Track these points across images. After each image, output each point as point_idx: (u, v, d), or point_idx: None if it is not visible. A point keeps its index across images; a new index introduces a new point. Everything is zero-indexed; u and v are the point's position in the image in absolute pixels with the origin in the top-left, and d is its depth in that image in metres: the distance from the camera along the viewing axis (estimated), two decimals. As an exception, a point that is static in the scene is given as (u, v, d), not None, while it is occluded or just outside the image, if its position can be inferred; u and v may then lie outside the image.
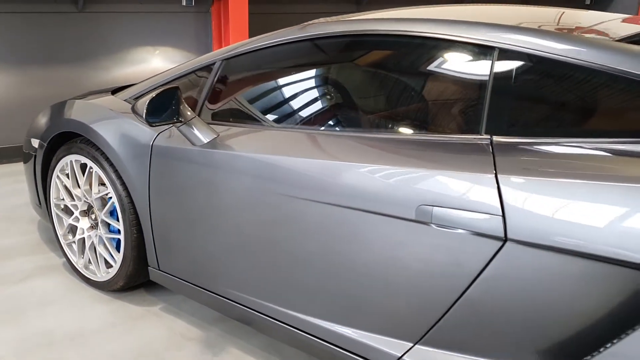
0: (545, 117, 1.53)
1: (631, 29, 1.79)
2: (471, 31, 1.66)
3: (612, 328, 1.30)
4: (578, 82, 1.49)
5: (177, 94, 1.96)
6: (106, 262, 2.54)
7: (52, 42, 4.56)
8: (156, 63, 4.99)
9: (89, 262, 2.62)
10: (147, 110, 1.87)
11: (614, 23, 1.95)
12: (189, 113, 1.99)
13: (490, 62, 1.60)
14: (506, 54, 1.58)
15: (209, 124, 2.05)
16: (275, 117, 2.03)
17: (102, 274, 2.55)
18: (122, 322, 2.37)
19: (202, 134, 1.98)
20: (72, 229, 2.69)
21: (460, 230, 1.46)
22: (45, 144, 2.65)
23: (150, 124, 1.90)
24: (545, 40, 1.55)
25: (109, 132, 2.31)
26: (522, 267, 1.39)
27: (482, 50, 1.63)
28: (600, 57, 1.46)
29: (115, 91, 2.68)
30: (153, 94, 1.90)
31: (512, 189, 1.38)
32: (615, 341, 1.29)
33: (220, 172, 1.95)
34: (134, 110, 1.93)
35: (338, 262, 1.72)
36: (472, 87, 1.64)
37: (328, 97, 1.99)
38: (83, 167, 2.51)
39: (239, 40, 3.16)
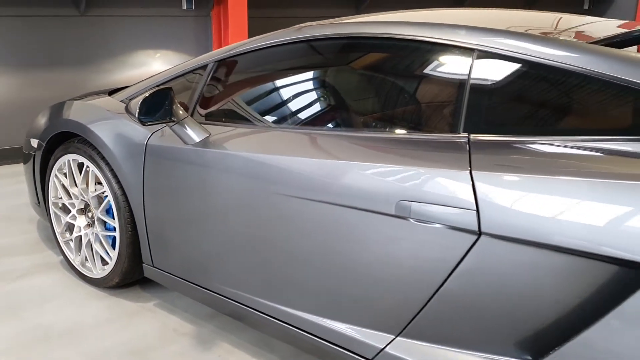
0: (520, 117, 1.59)
1: (608, 31, 1.84)
2: (451, 34, 1.71)
3: (582, 318, 1.35)
4: (552, 82, 1.54)
5: (170, 94, 2.03)
6: (102, 259, 2.60)
7: (54, 45, 4.64)
8: (157, 66, 5.06)
9: (86, 259, 2.68)
10: (139, 109, 1.94)
11: (595, 26, 2.00)
12: (181, 113, 2.05)
13: (470, 63, 1.65)
14: (484, 55, 1.63)
15: (201, 123, 2.11)
16: (264, 117, 2.09)
17: (98, 271, 2.61)
18: (118, 317, 2.43)
19: (194, 133, 2.04)
20: (70, 227, 2.75)
21: (437, 225, 1.51)
22: (44, 144, 2.72)
23: (143, 123, 1.97)
24: (522, 43, 1.60)
25: (105, 132, 2.37)
26: (496, 261, 1.45)
27: (461, 52, 1.68)
28: (573, 59, 1.52)
29: (112, 92, 2.75)
30: (146, 94, 1.96)
31: (486, 185, 1.44)
32: (585, 330, 1.33)
33: (212, 171, 2.01)
34: (127, 110, 2.00)
35: (323, 258, 1.77)
36: (452, 88, 1.69)
37: (314, 97, 2.05)
38: (80, 166, 2.57)
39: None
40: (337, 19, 2.09)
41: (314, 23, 2.11)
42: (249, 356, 2.16)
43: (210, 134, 2.05)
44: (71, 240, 2.72)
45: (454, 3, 6.78)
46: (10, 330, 2.31)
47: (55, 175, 2.71)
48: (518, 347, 1.49)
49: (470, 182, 1.46)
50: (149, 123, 1.98)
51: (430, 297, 1.58)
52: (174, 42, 5.11)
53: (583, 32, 1.89)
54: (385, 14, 2.16)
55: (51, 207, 2.78)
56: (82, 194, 2.61)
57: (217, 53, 2.25)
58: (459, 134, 1.60)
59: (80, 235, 2.67)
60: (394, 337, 1.70)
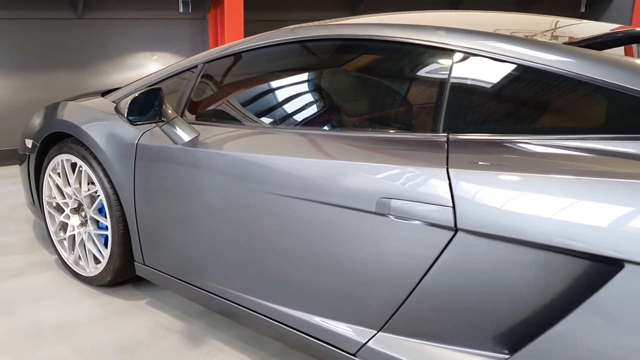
0: (498, 116, 1.62)
1: (588, 33, 1.88)
2: (432, 35, 1.75)
3: (555, 312, 1.39)
4: (529, 83, 1.58)
5: (159, 94, 2.07)
6: (95, 257, 2.64)
7: (52, 47, 4.68)
8: (154, 68, 5.11)
9: (79, 258, 2.71)
10: (128, 109, 1.98)
11: (578, 28, 2.04)
12: (170, 113, 2.09)
13: (450, 64, 1.69)
14: (464, 56, 1.67)
15: (190, 123, 2.15)
16: (251, 117, 2.13)
17: (91, 270, 2.64)
18: (110, 315, 2.46)
19: (183, 133, 2.08)
20: (63, 226, 2.79)
21: (415, 222, 1.55)
22: (38, 144, 2.76)
23: (132, 123, 2.01)
24: (499, 44, 1.64)
25: (97, 132, 2.41)
26: (473, 256, 1.48)
27: (442, 54, 1.72)
28: (549, 59, 1.55)
29: (104, 93, 2.79)
30: (135, 95, 2.00)
31: (462, 182, 1.47)
32: (557, 323, 1.37)
33: (200, 170, 2.05)
34: (117, 110, 2.04)
35: (307, 255, 1.81)
36: (433, 88, 1.73)
37: (299, 98, 2.08)
38: (73, 166, 2.61)
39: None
40: (323, 21, 2.12)
41: (299, 25, 2.15)
42: (238, 353, 2.20)
43: (199, 134, 2.09)
44: (65, 239, 2.76)
45: (450, 6, 6.82)
46: (3, 327, 2.35)
47: (49, 175, 2.75)
48: (495, 341, 1.52)
49: (447, 180, 1.50)
50: (138, 123, 2.02)
51: (409, 293, 1.62)
52: (170, 44, 5.15)
53: (564, 33, 1.92)
54: (372, 17, 2.20)
55: (45, 207, 2.82)
56: (75, 194, 2.65)
57: (206, 54, 2.29)
58: (439, 133, 1.64)
59: (74, 234, 2.71)
60: (375, 332, 1.73)
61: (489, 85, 1.64)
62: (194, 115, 2.23)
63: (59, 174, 2.71)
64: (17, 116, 4.61)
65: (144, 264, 2.42)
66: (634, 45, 2.41)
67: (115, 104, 2.44)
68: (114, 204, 2.42)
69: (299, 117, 2.01)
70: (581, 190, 1.32)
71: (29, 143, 2.85)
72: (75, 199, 2.67)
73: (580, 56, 1.53)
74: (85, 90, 4.70)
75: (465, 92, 1.65)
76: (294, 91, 2.10)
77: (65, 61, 4.77)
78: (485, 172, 1.46)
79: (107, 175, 2.42)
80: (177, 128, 2.08)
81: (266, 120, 2.08)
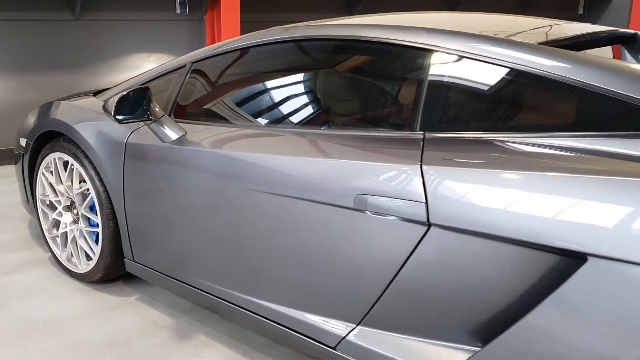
0: (472, 115, 1.66)
1: (567, 34, 1.92)
2: (411, 35, 1.79)
3: (523, 304, 1.42)
4: (503, 82, 1.62)
5: (147, 93, 2.11)
6: (86, 254, 2.68)
7: (49, 48, 4.73)
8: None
9: (71, 255, 2.76)
10: (115, 108, 2.02)
11: (559, 28, 2.07)
12: (158, 111, 2.13)
13: (427, 64, 1.72)
14: (441, 56, 1.71)
15: (178, 122, 2.19)
16: (236, 115, 2.17)
17: (83, 266, 2.69)
18: (100, 311, 2.51)
19: (170, 132, 2.13)
20: (56, 224, 2.84)
21: (391, 217, 1.59)
22: (32, 143, 2.81)
23: (119, 121, 2.05)
24: (474, 43, 1.67)
25: (87, 131, 2.46)
26: (445, 250, 1.52)
27: (420, 53, 1.75)
28: (522, 59, 1.59)
29: (96, 93, 2.83)
30: (123, 93, 2.05)
31: (434, 178, 1.51)
32: (526, 315, 1.40)
33: (186, 167, 2.09)
34: (104, 109, 2.08)
35: (289, 250, 1.85)
36: (411, 87, 1.76)
37: (282, 97, 2.12)
38: (65, 164, 2.66)
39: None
40: (306, 22, 2.16)
41: (281, 27, 2.18)
42: (224, 347, 2.24)
43: (186, 132, 2.13)
44: (58, 236, 2.81)
45: (448, 7, 6.85)
46: (-5, 322, 2.40)
47: (43, 173, 2.79)
48: (469, 334, 1.56)
49: (421, 176, 1.53)
50: (125, 121, 2.06)
51: (386, 287, 1.65)
52: (167, 46, 5.20)
53: (545, 34, 1.95)
54: (357, 17, 2.24)
55: (39, 205, 2.87)
56: (67, 191, 2.69)
57: (194, 54, 2.34)
58: (416, 131, 1.68)
59: (66, 232, 2.75)
60: (355, 326, 1.77)
61: (464, 85, 1.68)
62: (182, 114, 2.28)
63: (51, 172, 2.75)
64: (15, 116, 4.65)
65: (134, 261, 2.46)
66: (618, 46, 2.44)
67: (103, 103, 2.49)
68: (104, 201, 2.46)
69: (281, 116, 2.05)
70: (546, 185, 1.35)
71: (23, 142, 2.90)
72: (67, 196, 2.71)
73: (554, 56, 1.56)
74: (82, 90, 4.75)
75: (442, 91, 1.69)
76: (277, 91, 2.14)
77: (63, 62, 4.82)
78: (457, 168, 1.50)
79: (97, 173, 2.47)
80: (164, 126, 2.12)
81: (250, 119, 2.13)
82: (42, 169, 2.78)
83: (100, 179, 2.46)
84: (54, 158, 2.69)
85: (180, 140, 2.11)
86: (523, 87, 1.59)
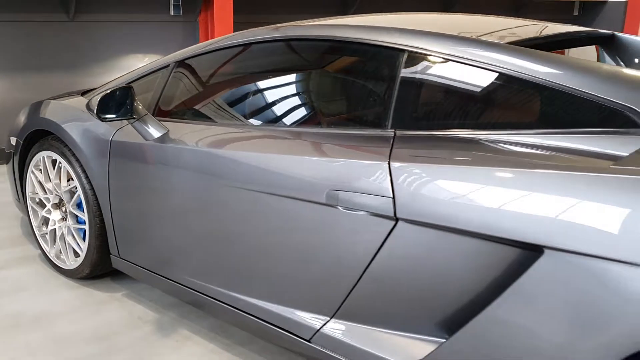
0: (441, 113, 1.70)
1: (536, 34, 1.96)
2: (384, 35, 1.83)
3: (486, 295, 1.46)
4: (471, 81, 1.66)
5: (130, 92, 2.16)
6: (74, 251, 2.72)
7: (44, 49, 4.78)
8: (145, 70, 5.20)
9: (60, 251, 2.80)
10: (98, 106, 2.07)
11: (532, 29, 2.11)
12: (141, 110, 2.18)
13: (399, 63, 1.77)
14: (412, 56, 1.75)
15: (160, 120, 2.24)
16: (214, 114, 2.21)
17: (71, 263, 2.73)
18: (86, 306, 2.55)
19: (153, 130, 2.17)
20: (46, 221, 2.88)
21: (361, 212, 1.63)
22: (22, 142, 2.85)
23: (101, 119, 2.10)
24: (446, 44, 1.72)
25: (74, 130, 2.51)
26: (412, 244, 1.56)
27: (392, 53, 1.80)
28: (490, 58, 1.63)
29: (84, 92, 2.88)
30: (106, 92, 2.09)
31: (401, 174, 1.55)
32: (488, 306, 1.44)
33: (168, 164, 2.14)
34: (87, 107, 2.13)
35: (266, 245, 1.89)
36: (383, 87, 1.81)
37: (259, 96, 2.17)
38: (54, 162, 2.70)
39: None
40: (286, 23, 2.21)
41: (259, 28, 2.23)
42: (206, 341, 2.28)
43: (168, 130, 2.17)
44: (47, 233, 2.85)
45: (443, 8, 6.90)
46: (-17, 317, 2.44)
47: (32, 171, 2.84)
48: (436, 326, 1.60)
49: (388, 172, 1.58)
50: (106, 119, 2.11)
51: (357, 281, 1.70)
52: (162, 46, 5.25)
53: (515, 34, 1.99)
54: (337, 19, 2.28)
55: (29, 202, 2.91)
56: (55, 189, 2.74)
57: (177, 54, 2.39)
58: (387, 129, 1.72)
59: (55, 229, 2.80)
60: (328, 319, 1.81)
61: (434, 84, 1.72)
62: (165, 113, 2.32)
63: (40, 170, 2.80)
64: (10, 117, 4.69)
65: (119, 257, 2.50)
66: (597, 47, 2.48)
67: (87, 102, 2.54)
68: (90, 198, 2.51)
69: (259, 115, 2.10)
70: (506, 180, 1.40)
71: (13, 141, 2.95)
72: (56, 194, 2.76)
73: (521, 55, 1.61)
74: (76, 91, 4.80)
75: (412, 90, 1.73)
76: (254, 90, 2.19)
77: (58, 63, 4.87)
78: (423, 164, 1.54)
79: (84, 171, 2.51)
80: (147, 125, 2.17)
81: (228, 117, 2.17)
82: (31, 167, 2.83)
83: (87, 177, 2.50)
84: (43, 156, 2.73)
85: (162, 138, 2.16)
86: (490, 86, 1.63)
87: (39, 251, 3.02)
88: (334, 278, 1.76)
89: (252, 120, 2.10)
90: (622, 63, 2.41)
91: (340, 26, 1.97)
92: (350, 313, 1.76)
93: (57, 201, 2.79)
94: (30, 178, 2.87)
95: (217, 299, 2.12)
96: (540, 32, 2.08)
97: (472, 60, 1.65)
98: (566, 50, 2.58)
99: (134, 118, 2.19)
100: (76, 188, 2.60)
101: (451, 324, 1.56)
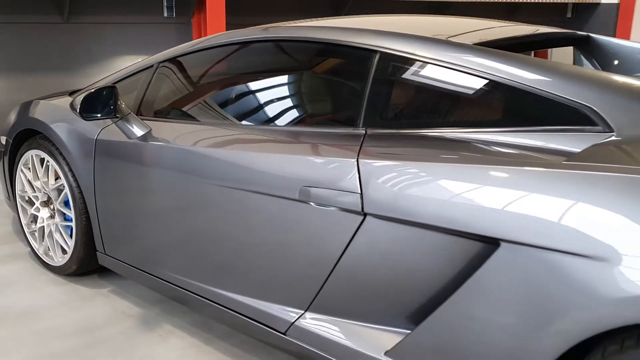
0: (410, 112, 1.76)
1: (507, 35, 2.01)
2: (357, 37, 1.88)
3: (449, 287, 1.52)
4: (438, 81, 1.71)
5: (114, 92, 2.21)
6: (62, 248, 2.78)
7: (38, 51, 4.85)
8: (139, 71, 5.25)
9: (48, 248, 2.86)
10: (81, 106, 2.13)
11: (506, 30, 2.16)
12: (124, 109, 2.24)
13: (371, 64, 1.82)
14: (384, 57, 1.80)
15: (143, 119, 2.29)
16: (194, 113, 2.27)
17: (59, 259, 2.79)
18: (72, 301, 2.60)
19: (136, 128, 2.23)
20: (35, 219, 2.93)
21: (332, 208, 1.68)
22: (11, 141, 2.91)
23: (84, 118, 2.15)
24: (415, 44, 1.77)
25: (61, 129, 2.56)
26: (379, 238, 1.61)
27: (365, 54, 1.85)
28: (457, 58, 1.68)
29: (72, 92, 2.93)
30: (90, 91, 2.15)
31: (368, 171, 1.61)
32: (449, 298, 1.50)
33: (150, 162, 2.19)
34: (71, 106, 2.18)
35: (244, 240, 1.95)
36: (356, 87, 1.86)
37: (237, 97, 2.22)
38: (42, 161, 2.76)
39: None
40: (263, 25, 2.26)
41: (237, 30, 2.28)
42: (188, 336, 2.33)
43: (150, 129, 2.23)
44: (36, 231, 2.91)
45: (434, 11, 6.95)
46: (-29, 312, 2.49)
47: (21, 169, 2.89)
48: (402, 317, 1.65)
49: (357, 169, 1.63)
50: (89, 118, 2.17)
51: (329, 274, 1.75)
52: (155, 48, 5.29)
53: (488, 35, 2.04)
54: (315, 20, 2.34)
55: (18, 200, 2.97)
56: (44, 187, 2.79)
57: (161, 55, 2.45)
58: (359, 127, 1.77)
59: (43, 226, 2.85)
60: (303, 312, 1.86)
61: (403, 83, 1.78)
62: (148, 112, 2.38)
63: (29, 168, 2.85)
64: (5, 117, 4.76)
65: (105, 254, 2.56)
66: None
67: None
68: (77, 196, 2.56)
69: (237, 114, 2.15)
70: (465, 176, 1.45)
71: (3, 140, 3.00)
72: (44, 192, 2.81)
73: (485, 55, 1.66)
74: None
75: (383, 89, 1.78)
76: (232, 90, 2.25)
77: (52, 64, 4.93)
78: (389, 161, 1.59)
79: (71, 170, 2.57)
80: (130, 124, 2.23)
81: (208, 116, 2.22)
82: (20, 165, 2.88)
83: (74, 175, 2.56)
84: (32, 155, 2.79)
85: (145, 137, 2.21)
86: (456, 85, 1.68)
87: (29, 249, 3.06)
88: (307, 272, 1.81)
89: (230, 119, 2.15)
90: (597, 64, 2.46)
91: (317, 28, 2.02)
92: (323, 306, 1.81)
93: (45, 199, 2.85)
94: (19, 176, 2.92)
95: (198, 294, 2.17)
96: (514, 33, 2.13)
97: (439, 60, 1.70)
98: (549, 51, 2.64)
99: (117, 117, 2.24)
100: (63, 186, 2.65)
101: (417, 315, 1.61)
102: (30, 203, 2.94)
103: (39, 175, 2.80)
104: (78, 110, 2.14)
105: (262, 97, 2.17)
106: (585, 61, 2.49)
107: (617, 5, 7.67)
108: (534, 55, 2.39)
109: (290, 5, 5.96)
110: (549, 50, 2.58)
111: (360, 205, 1.61)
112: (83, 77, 5.06)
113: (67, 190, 2.61)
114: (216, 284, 2.10)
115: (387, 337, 1.68)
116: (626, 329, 1.24)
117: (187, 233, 2.12)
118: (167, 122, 2.26)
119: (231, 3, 5.37)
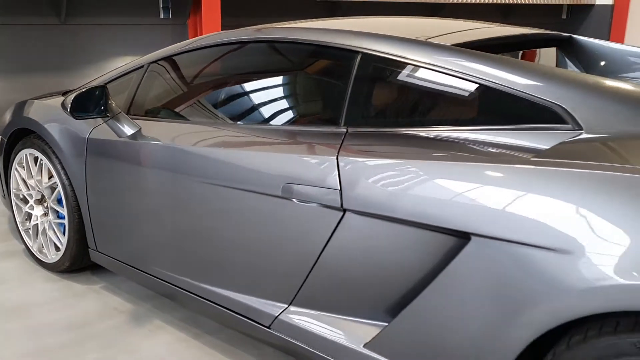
0: (390, 111, 1.80)
1: (487, 36, 2.06)
2: (339, 38, 1.93)
3: (423, 280, 1.56)
4: (417, 81, 1.76)
5: (104, 91, 2.26)
6: (55, 245, 2.83)
7: (36, 52, 4.90)
8: (135, 72, 5.30)
9: (42, 246, 2.91)
10: (71, 105, 2.18)
11: (482, 31, 2.20)
12: (115, 108, 2.29)
13: (353, 64, 1.87)
14: (365, 57, 1.85)
15: (134, 119, 2.34)
16: (183, 112, 2.32)
17: (52, 257, 2.84)
18: (65, 297, 2.65)
19: (126, 127, 2.28)
20: (29, 216, 2.98)
21: (313, 204, 1.73)
22: (6, 140, 2.96)
23: (75, 117, 2.20)
24: (395, 45, 1.82)
25: (54, 128, 2.61)
26: (358, 233, 1.66)
27: (347, 55, 1.90)
28: (438, 59, 1.73)
29: (65, 93, 2.98)
30: (81, 91, 2.20)
31: (347, 167, 1.66)
32: (423, 291, 1.54)
33: (140, 161, 2.24)
34: (62, 105, 2.23)
35: (230, 237, 1.99)
36: (339, 87, 1.91)
37: (224, 96, 2.27)
38: (36, 159, 2.81)
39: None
40: (253, 27, 2.31)
41: (225, 31, 2.33)
42: (177, 331, 2.38)
43: (140, 128, 2.28)
44: (30, 228, 2.95)
45: (430, 13, 7.00)
46: (-35, 307, 2.54)
47: (16, 168, 2.94)
48: (380, 310, 1.70)
49: (336, 166, 1.68)
50: (80, 117, 2.22)
51: (310, 269, 1.80)
52: (151, 49, 5.31)
53: (466, 35, 2.09)
54: (302, 22, 2.39)
55: (13, 198, 3.02)
56: (37, 186, 2.84)
57: (151, 56, 2.50)
58: (340, 126, 1.82)
59: (37, 224, 2.90)
60: (286, 306, 1.91)
61: (383, 83, 1.82)
62: (138, 112, 2.43)
63: (23, 167, 2.90)
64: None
65: (97, 250, 2.60)
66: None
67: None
68: (69, 194, 2.61)
69: (225, 113, 2.20)
70: (437, 172, 1.50)
71: (-2, 139, 3.06)
72: (38, 190, 2.87)
73: (463, 56, 1.70)
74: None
75: (364, 89, 1.83)
76: (219, 89, 2.29)
77: (49, 65, 4.98)
78: (367, 159, 1.64)
79: (63, 168, 2.62)
80: (120, 122, 2.28)
81: (196, 115, 2.27)
82: (15, 164, 2.93)
83: (66, 173, 2.61)
84: (26, 154, 2.84)
85: (134, 136, 2.26)
86: (434, 85, 1.73)
87: (23, 246, 3.12)
88: (290, 267, 1.85)
89: (217, 119, 2.20)
90: (579, 65, 2.51)
91: (303, 29, 2.07)
92: (305, 300, 1.85)
93: (39, 197, 2.90)
94: (14, 175, 2.97)
95: (186, 289, 2.22)
96: (496, 35, 2.17)
97: (418, 61, 1.75)
98: (537, 53, 2.69)
99: (107, 116, 2.29)
100: (57, 184, 2.70)
101: (394, 308, 1.66)
102: (25, 201, 2.99)
103: (33, 174, 2.85)
104: (69, 110, 2.19)
105: (248, 97, 2.22)
106: (568, 62, 2.54)
107: (612, 6, 7.73)
108: (523, 57, 2.44)
109: (285, 6, 6.02)
110: (537, 51, 2.63)
111: (339, 202, 1.66)
112: (80, 77, 5.11)
113: (60, 188, 2.66)
114: (203, 280, 2.15)
115: (366, 330, 1.72)
116: (591, 318, 1.29)
117: (175, 230, 2.17)
118: (156, 121, 2.31)
119: (227, 5, 5.43)
